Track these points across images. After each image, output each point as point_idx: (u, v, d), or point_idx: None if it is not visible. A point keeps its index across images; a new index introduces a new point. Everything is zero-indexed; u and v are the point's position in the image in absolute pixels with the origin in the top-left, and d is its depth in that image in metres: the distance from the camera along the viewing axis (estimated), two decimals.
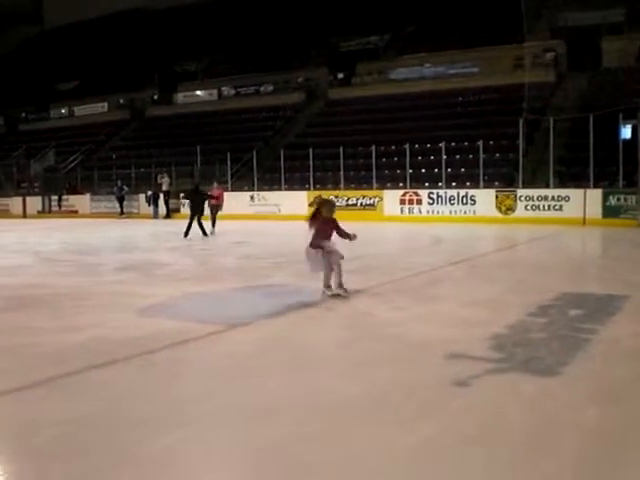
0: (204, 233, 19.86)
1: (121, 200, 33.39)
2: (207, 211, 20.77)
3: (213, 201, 21.09)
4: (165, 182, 32.09)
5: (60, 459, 4.09)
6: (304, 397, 5.12)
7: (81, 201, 36.40)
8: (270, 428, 4.50)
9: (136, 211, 33.47)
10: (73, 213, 35.89)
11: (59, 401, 5.15)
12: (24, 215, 37.45)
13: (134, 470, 3.95)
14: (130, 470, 3.95)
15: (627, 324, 7.47)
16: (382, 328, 7.34)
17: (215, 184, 23.59)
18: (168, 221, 30.19)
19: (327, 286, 9.21)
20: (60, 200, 37.04)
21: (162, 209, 32.04)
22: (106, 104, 47.64)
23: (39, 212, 37.51)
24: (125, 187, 33.53)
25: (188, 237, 19.30)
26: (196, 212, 20.05)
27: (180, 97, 45.33)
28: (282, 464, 3.98)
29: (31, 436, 4.45)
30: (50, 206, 37.75)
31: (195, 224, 19.73)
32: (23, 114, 51.47)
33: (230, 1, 47.64)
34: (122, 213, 33.11)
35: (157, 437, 4.37)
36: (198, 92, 44.73)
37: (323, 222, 9.50)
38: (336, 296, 9.10)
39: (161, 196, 32.09)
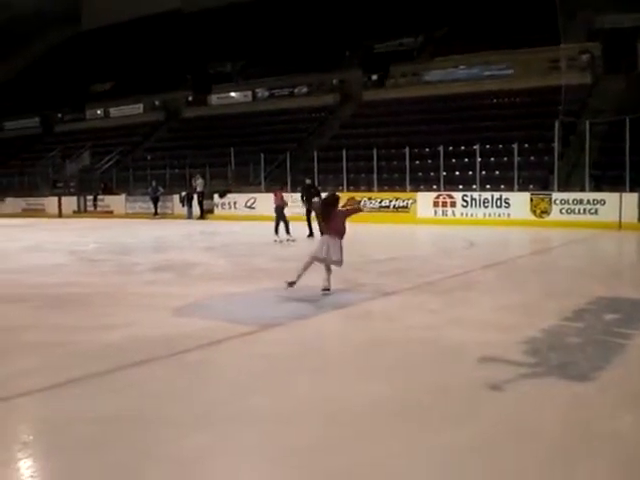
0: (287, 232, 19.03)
1: (155, 201, 33.63)
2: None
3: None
4: (199, 183, 32.23)
5: (91, 456, 4.13)
6: (334, 400, 5.12)
7: (116, 201, 36.72)
8: (299, 431, 4.51)
9: (170, 212, 33.66)
10: (108, 213, 36.21)
11: (92, 399, 5.21)
12: (60, 215, 37.87)
13: (162, 468, 3.99)
14: (158, 468, 3.99)
15: None
16: (415, 331, 7.32)
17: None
18: (202, 222, 30.37)
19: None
20: (95, 200, 37.39)
21: (196, 210, 32.19)
22: (141, 105, 47.96)
23: (74, 212, 37.88)
24: (160, 188, 33.74)
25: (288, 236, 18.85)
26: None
27: (214, 98, 45.50)
28: (310, 467, 3.99)
29: (64, 433, 4.51)
30: (85, 206, 38.11)
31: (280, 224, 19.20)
32: (59, 115, 51.97)
33: (265, 3, 47.78)
34: (156, 213, 33.34)
35: (186, 437, 4.40)
36: (232, 94, 44.85)
37: (338, 216, 9.72)
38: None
39: (195, 197, 32.24)
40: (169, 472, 3.95)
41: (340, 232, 9.53)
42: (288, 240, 18.55)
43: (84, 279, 11.76)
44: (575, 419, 4.69)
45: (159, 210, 33.57)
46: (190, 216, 32.02)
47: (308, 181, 21.42)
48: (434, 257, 15.55)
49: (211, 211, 32.16)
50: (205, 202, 32.26)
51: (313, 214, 18.75)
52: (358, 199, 26.66)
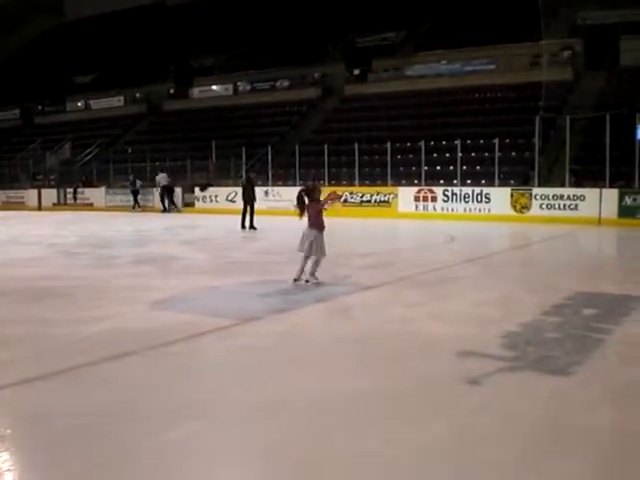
0: (242, 226, 20.44)
1: (135, 193, 33.52)
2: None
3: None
4: (162, 177, 32.30)
5: (73, 449, 4.13)
6: (315, 392, 5.14)
7: (96, 194, 36.53)
8: (281, 423, 4.53)
9: (151, 204, 33.55)
10: (88, 206, 36.02)
11: (74, 392, 5.20)
12: (39, 207, 37.66)
13: (145, 461, 3.99)
14: (141, 461, 3.99)
15: None
16: (395, 325, 7.35)
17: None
18: (179, 215, 30.42)
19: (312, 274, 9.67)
20: (75, 193, 37.18)
21: (177, 204, 32.27)
22: (122, 98, 47.73)
23: (54, 204, 37.66)
24: (138, 181, 33.61)
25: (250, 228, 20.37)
26: (248, 202, 20.69)
27: (196, 92, 45.36)
28: (292, 459, 4.01)
29: (45, 426, 4.50)
30: (65, 199, 37.90)
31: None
32: (39, 107, 51.62)
33: None
34: (136, 206, 33.22)
35: (169, 429, 4.40)
36: (214, 87, 44.73)
37: (317, 205, 9.89)
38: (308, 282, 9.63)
39: (159, 191, 32.40)
40: (150, 465, 3.95)
41: (318, 225, 9.61)
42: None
43: (64, 272, 11.70)
44: (552, 413, 4.73)
45: (140, 203, 33.45)
46: (175, 209, 31.97)
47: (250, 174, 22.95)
48: (415, 251, 15.59)
49: (192, 204, 32.10)
50: (186, 195, 32.26)
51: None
52: (339, 193, 26.76)
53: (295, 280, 9.63)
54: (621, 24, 31.56)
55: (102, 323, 7.36)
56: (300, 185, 26.57)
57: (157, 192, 32.61)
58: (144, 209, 33.06)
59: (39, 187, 39.10)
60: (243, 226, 20.39)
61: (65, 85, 51.29)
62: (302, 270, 9.64)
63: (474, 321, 7.45)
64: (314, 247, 9.54)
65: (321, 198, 10.09)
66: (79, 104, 49.72)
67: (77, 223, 25.84)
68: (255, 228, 20.29)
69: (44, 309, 8.33)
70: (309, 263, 9.65)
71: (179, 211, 31.96)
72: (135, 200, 33.44)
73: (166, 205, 32.09)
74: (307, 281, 9.59)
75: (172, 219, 27.56)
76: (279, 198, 28.35)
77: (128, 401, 4.98)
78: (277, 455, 4.05)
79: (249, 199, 20.75)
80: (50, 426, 4.48)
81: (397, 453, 4.04)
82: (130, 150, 39.60)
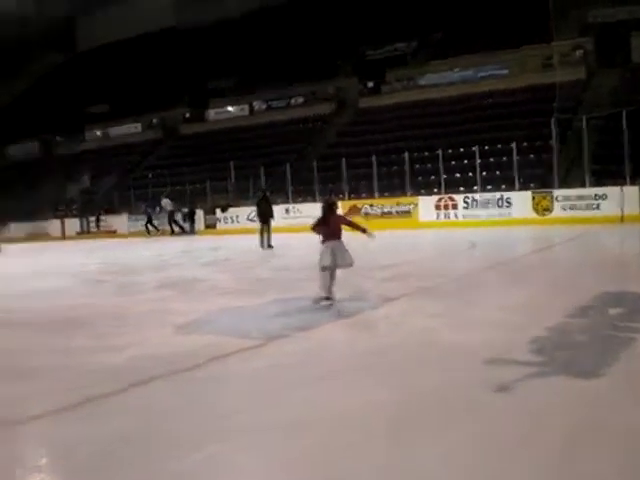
0: (261, 245, 20.34)
1: (149, 218, 33.75)
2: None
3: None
4: (166, 203, 32.58)
5: (100, 475, 4.13)
6: (341, 407, 5.11)
7: (118, 221, 36.83)
8: (305, 441, 4.51)
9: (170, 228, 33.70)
10: (111, 233, 36.31)
11: (101, 420, 5.20)
12: (63, 237, 37.99)
13: None
14: None
15: None
16: (420, 335, 7.31)
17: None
18: (198, 237, 30.58)
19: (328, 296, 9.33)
20: (98, 221, 37.53)
21: (185, 226, 32.59)
22: (139, 124, 48.15)
23: (78, 233, 38.01)
24: (149, 209, 33.84)
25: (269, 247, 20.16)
26: (264, 220, 20.60)
27: (212, 114, 45.64)
28: (317, 475, 3.98)
29: (74, 455, 4.50)
30: (88, 227, 38.25)
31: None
32: (58, 138, 52.20)
33: (257, 16, 47.94)
34: (153, 230, 33.39)
35: (195, 452, 4.39)
36: (229, 108, 44.99)
37: (336, 220, 9.66)
38: (324, 300, 9.26)
39: (167, 216, 32.84)
40: None
41: (337, 234, 9.41)
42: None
43: (89, 300, 11.75)
44: (585, 415, 4.66)
45: (158, 227, 33.55)
46: (193, 231, 32.12)
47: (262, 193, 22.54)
48: (437, 260, 15.54)
49: (213, 226, 32.24)
50: (207, 217, 32.46)
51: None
52: (359, 207, 26.78)
53: (327, 299, 9.38)
54: (631, 21, 31.39)
55: (127, 350, 7.38)
56: (320, 200, 26.59)
57: (165, 216, 32.92)
58: (161, 233, 33.19)
59: (62, 217, 39.47)
60: (262, 244, 20.24)
61: (82, 115, 51.83)
62: (327, 286, 9.41)
63: (499, 327, 7.39)
64: (338, 256, 9.29)
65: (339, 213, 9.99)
66: (97, 133, 50.25)
67: (100, 251, 26.00)
68: (271, 246, 20.15)
69: (70, 338, 8.36)
70: (327, 277, 9.38)
71: (194, 232, 32.14)
72: (151, 224, 33.58)
73: (174, 228, 32.40)
74: (327, 298, 9.31)
75: (193, 242, 27.67)
76: (300, 215, 28.38)
77: (154, 426, 4.98)
78: (302, 474, 4.03)
79: (265, 216, 20.59)
80: (79, 455, 4.48)
81: (426, 465, 4.00)
82: (150, 175, 39.88)
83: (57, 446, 4.72)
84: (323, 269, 9.25)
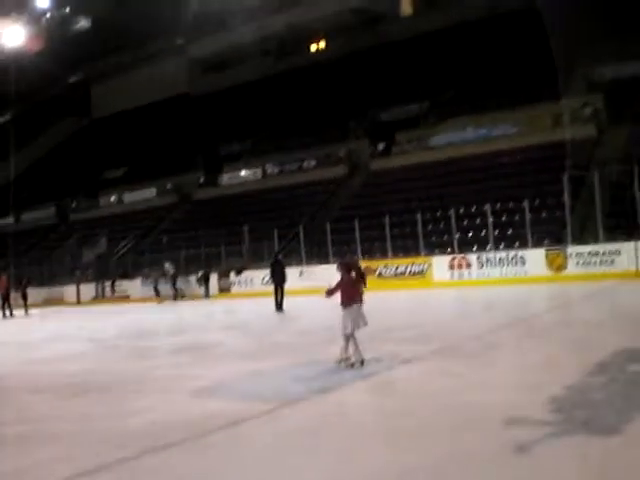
0: (276, 308, 20.46)
1: (156, 284, 33.90)
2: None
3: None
4: (170, 268, 32.82)
5: None
6: (361, 473, 5.06)
7: (132, 285, 36.95)
8: None
9: (188, 292, 33.77)
10: (125, 298, 36.40)
11: None
12: (78, 301, 38.11)
13: None
14: None
15: None
16: (439, 397, 7.24)
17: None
18: (213, 301, 30.56)
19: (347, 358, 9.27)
20: (113, 285, 37.69)
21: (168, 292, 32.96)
22: (154, 189, 48.67)
23: (93, 298, 38.16)
24: (153, 280, 34.01)
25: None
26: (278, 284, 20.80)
27: (225, 178, 46.11)
28: None
29: None
30: (104, 292, 38.40)
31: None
32: (74, 203, 52.81)
33: (268, 81, 48.77)
34: (159, 296, 33.54)
35: None
36: (242, 172, 45.44)
37: (353, 280, 9.54)
38: (353, 364, 9.19)
39: (170, 281, 33.07)
40: None
41: (358, 296, 9.39)
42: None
43: (105, 366, 11.76)
44: (606, 475, 4.61)
45: (169, 292, 33.56)
46: (207, 295, 32.17)
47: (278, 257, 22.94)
48: (453, 320, 15.46)
49: (228, 289, 32.32)
50: (221, 281, 32.58)
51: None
52: (373, 268, 26.79)
53: (351, 364, 9.26)
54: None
55: (144, 415, 7.36)
56: (336, 262, 26.60)
57: (170, 281, 33.15)
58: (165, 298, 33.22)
59: (77, 282, 39.65)
60: (277, 307, 20.39)
61: (97, 181, 52.55)
62: (347, 350, 9.38)
63: (518, 387, 7.32)
64: (357, 321, 9.28)
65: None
66: (112, 199, 50.79)
67: (115, 316, 26.06)
68: (282, 310, 20.25)
69: (87, 404, 8.37)
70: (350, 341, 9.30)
71: (183, 297, 32.27)
72: (156, 290, 33.71)
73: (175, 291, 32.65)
74: (353, 364, 9.22)
75: (208, 306, 27.68)
76: (314, 277, 28.38)
77: None
78: None
79: (279, 280, 20.79)
80: None
81: None
82: (165, 240, 40.13)
83: None
84: (346, 336, 9.25)
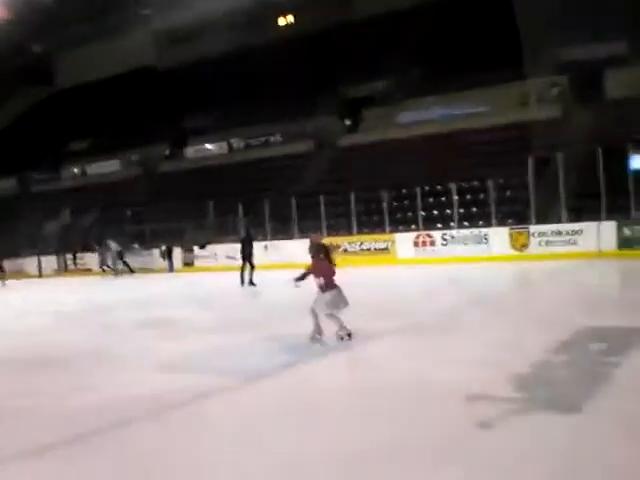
0: (242, 282, 20.26)
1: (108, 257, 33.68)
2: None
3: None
4: (113, 246, 32.66)
5: None
6: (323, 449, 5.07)
7: (94, 259, 36.52)
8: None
9: (151, 265, 33.54)
10: (87, 271, 36.03)
11: (80, 460, 5.14)
12: (40, 274, 37.67)
13: None
14: None
15: None
16: (402, 373, 7.28)
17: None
18: (179, 275, 30.33)
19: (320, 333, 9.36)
20: (75, 258, 37.27)
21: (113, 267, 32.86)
22: (118, 162, 48.11)
23: (55, 271, 37.73)
24: (112, 243, 33.66)
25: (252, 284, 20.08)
26: (247, 258, 20.62)
27: (191, 151, 45.69)
28: None
29: None
30: (65, 265, 37.98)
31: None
32: (36, 175, 52.04)
33: (237, 56, 48.30)
34: (109, 269, 33.29)
35: None
36: (208, 146, 45.08)
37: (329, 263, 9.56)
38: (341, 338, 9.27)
39: (114, 257, 32.86)
40: None
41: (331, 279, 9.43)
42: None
43: (69, 339, 11.65)
44: (567, 453, 4.66)
45: (124, 265, 33.30)
46: (172, 269, 31.98)
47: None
48: (418, 297, 15.52)
49: (191, 263, 32.16)
50: (185, 255, 32.42)
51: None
52: (338, 244, 26.80)
53: (341, 337, 9.33)
54: (605, 58, 31.94)
55: (107, 389, 7.31)
56: (303, 237, 26.56)
57: (112, 256, 33.05)
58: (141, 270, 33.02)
59: (38, 254, 39.14)
60: (242, 282, 20.28)
61: (61, 152, 51.76)
62: (318, 327, 9.43)
63: (482, 364, 7.38)
64: (336, 301, 9.40)
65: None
66: (75, 170, 50.10)
67: (78, 289, 25.83)
68: (254, 284, 20.14)
69: (48, 377, 8.28)
70: (333, 319, 9.37)
71: (172, 270, 32.05)
72: (106, 264, 33.49)
73: (119, 267, 32.42)
74: (342, 338, 9.28)
75: (171, 280, 27.54)
76: (278, 252, 28.37)
77: (133, 466, 4.92)
78: None
79: (248, 255, 20.70)
80: None
81: None
82: (128, 213, 39.71)
83: None
84: (329, 315, 9.34)
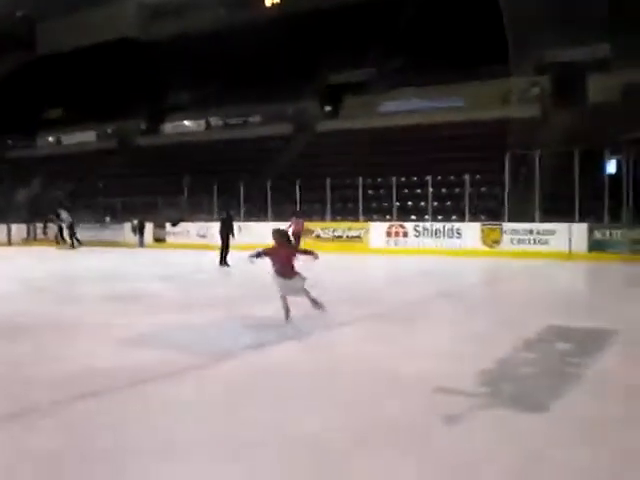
0: (220, 262, 20.09)
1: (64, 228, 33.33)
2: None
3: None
4: (65, 217, 32.39)
5: None
6: (288, 431, 5.06)
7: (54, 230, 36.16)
8: (255, 461, 4.45)
9: (122, 239, 33.31)
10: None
11: (43, 433, 5.08)
12: (9, 242, 37.23)
13: None
14: None
15: (616, 358, 7.45)
16: (369, 361, 7.29)
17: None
18: (145, 250, 30.14)
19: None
20: (45, 227, 36.88)
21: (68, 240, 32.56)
22: (94, 133, 47.67)
23: (24, 240, 37.32)
24: (64, 213, 33.33)
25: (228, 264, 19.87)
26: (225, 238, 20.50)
27: (168, 127, 45.43)
28: None
29: (17, 465, 4.38)
30: (35, 234, 37.59)
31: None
32: (9, 141, 51.41)
33: (221, 34, 47.94)
34: (60, 242, 32.98)
35: (142, 468, 4.30)
36: (186, 122, 44.81)
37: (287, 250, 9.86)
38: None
39: (67, 229, 32.54)
40: None
41: (287, 269, 9.55)
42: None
43: (34, 309, 11.53)
44: (528, 450, 4.69)
45: (79, 238, 33.00)
46: (142, 244, 31.79)
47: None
48: (388, 287, 15.53)
49: (163, 240, 31.97)
50: (157, 230, 32.22)
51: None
52: (311, 229, 26.78)
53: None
54: (588, 61, 32.16)
55: (72, 361, 7.24)
56: (277, 220, 26.54)
57: (68, 229, 32.70)
58: (113, 244, 32.77)
59: (8, 222, 38.67)
60: (221, 262, 20.09)
61: (36, 120, 51.16)
62: (288, 309, 9.55)
63: (448, 357, 7.41)
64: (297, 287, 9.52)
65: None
66: (50, 139, 49.56)
67: (47, 258, 25.57)
68: (228, 265, 20.02)
69: (13, 347, 8.20)
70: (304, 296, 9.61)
71: (143, 245, 31.83)
72: (61, 236, 33.19)
73: (72, 240, 32.19)
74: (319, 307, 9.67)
75: (141, 255, 27.36)
76: (250, 234, 28.25)
77: (100, 440, 4.87)
78: None
79: (226, 235, 20.56)
80: (23, 464, 4.37)
81: None
82: (101, 185, 39.39)
83: (2, 456, 4.59)
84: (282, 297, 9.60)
